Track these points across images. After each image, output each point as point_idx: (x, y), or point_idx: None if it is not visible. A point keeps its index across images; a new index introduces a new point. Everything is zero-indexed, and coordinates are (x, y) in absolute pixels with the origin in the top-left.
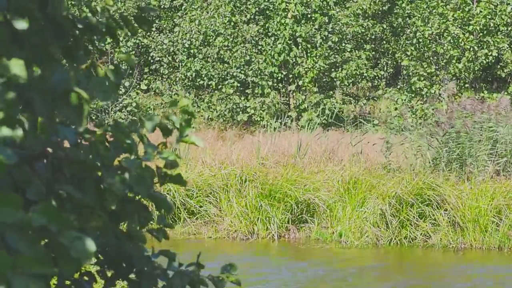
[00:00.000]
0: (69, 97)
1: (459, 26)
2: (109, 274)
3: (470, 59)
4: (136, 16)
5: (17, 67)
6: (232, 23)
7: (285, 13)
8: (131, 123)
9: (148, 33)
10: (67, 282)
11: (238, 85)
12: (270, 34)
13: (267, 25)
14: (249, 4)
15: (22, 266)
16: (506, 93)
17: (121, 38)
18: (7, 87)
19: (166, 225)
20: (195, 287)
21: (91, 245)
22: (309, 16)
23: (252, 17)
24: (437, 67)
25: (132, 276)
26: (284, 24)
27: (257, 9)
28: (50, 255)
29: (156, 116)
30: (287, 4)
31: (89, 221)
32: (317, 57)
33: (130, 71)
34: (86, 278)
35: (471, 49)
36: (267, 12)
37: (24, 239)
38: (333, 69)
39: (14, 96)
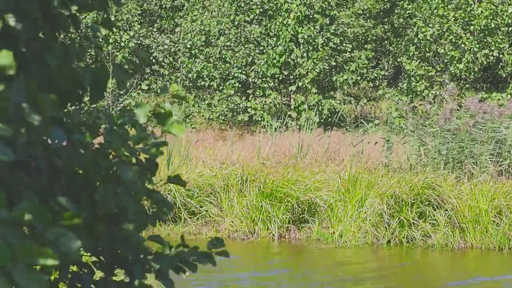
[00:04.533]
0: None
1: (460, 26)
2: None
3: (471, 59)
4: None
5: (5, 58)
6: (236, 23)
7: (287, 14)
8: (123, 112)
9: (149, 33)
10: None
11: (239, 85)
12: (272, 34)
13: (269, 25)
14: (253, 5)
15: (23, 257)
16: (506, 93)
17: (123, 38)
18: None
19: (162, 212)
20: (188, 266)
21: (75, 240)
22: (311, 17)
23: (255, 17)
24: (438, 68)
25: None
26: (286, 25)
27: (260, 9)
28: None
29: (147, 105)
30: (290, 5)
31: (73, 218)
32: (318, 59)
33: (131, 71)
34: (85, 270)
35: (472, 49)
36: (270, 12)
37: (16, 234)
38: (333, 70)
39: (4, 89)
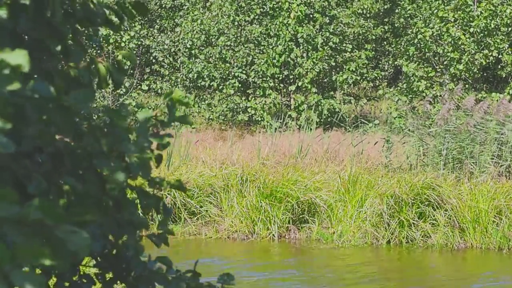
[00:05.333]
0: (60, 107)
1: (459, 26)
2: (107, 277)
3: (470, 60)
4: (133, 2)
5: (21, 57)
6: (236, 23)
7: (288, 13)
8: (122, 106)
9: (150, 34)
10: (66, 284)
11: (239, 85)
12: (272, 34)
13: (269, 25)
14: (253, 4)
15: (21, 259)
16: (506, 93)
17: (123, 39)
18: (11, 78)
19: (167, 231)
20: None
21: (86, 238)
22: (311, 16)
23: (256, 17)
24: (437, 68)
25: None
26: (286, 25)
27: (261, 9)
28: (48, 248)
29: (149, 109)
30: (290, 4)
31: (84, 214)
32: (317, 59)
33: (131, 71)
34: (84, 280)
35: (471, 50)
36: (271, 12)
37: (21, 232)
38: (333, 70)
39: (19, 87)
